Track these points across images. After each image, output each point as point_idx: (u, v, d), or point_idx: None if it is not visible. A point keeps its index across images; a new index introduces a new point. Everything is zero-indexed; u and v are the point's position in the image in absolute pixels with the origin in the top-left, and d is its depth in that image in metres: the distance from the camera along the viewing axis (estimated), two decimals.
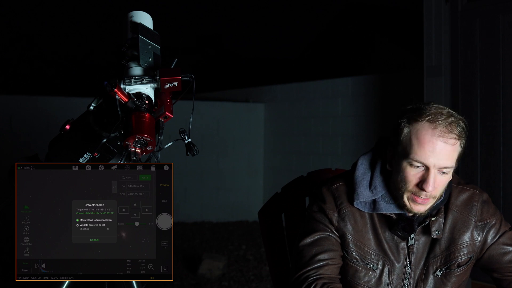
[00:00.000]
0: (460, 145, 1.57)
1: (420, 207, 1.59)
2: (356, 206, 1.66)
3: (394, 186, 1.62)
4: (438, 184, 1.57)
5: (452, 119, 1.55)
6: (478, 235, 1.67)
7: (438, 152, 1.53)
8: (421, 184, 1.56)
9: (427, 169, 1.55)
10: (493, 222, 1.69)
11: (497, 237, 1.68)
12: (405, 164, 1.57)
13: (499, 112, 3.69)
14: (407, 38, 12.02)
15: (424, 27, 4.10)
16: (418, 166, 1.56)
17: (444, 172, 1.56)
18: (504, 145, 3.67)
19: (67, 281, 1.60)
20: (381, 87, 5.78)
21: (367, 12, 14.12)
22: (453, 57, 3.93)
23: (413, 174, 1.57)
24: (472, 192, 1.70)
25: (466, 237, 1.66)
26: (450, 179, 1.62)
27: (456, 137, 1.55)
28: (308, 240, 1.68)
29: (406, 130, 1.58)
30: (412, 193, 1.58)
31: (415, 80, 4.58)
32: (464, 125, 1.57)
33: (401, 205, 1.62)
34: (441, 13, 3.97)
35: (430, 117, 1.55)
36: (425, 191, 1.55)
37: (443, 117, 1.55)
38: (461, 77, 3.90)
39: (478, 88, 3.79)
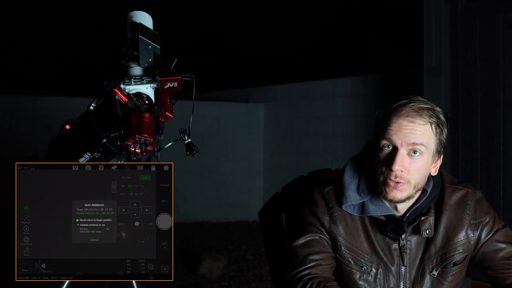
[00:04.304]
0: (433, 128, 1.59)
1: (395, 192, 1.59)
2: (345, 210, 1.67)
3: (375, 176, 1.63)
4: (409, 165, 1.58)
5: (422, 105, 1.60)
6: (473, 234, 1.68)
7: (403, 129, 1.57)
8: (390, 164, 1.58)
9: (395, 148, 1.58)
10: (487, 220, 1.69)
11: (490, 235, 1.69)
12: (377, 151, 1.62)
13: (499, 112, 3.69)
14: (407, 38, 12.01)
15: (424, 27, 4.10)
16: (388, 147, 1.59)
17: (415, 152, 1.58)
18: (504, 145, 3.67)
19: (67, 281, 1.60)
20: (381, 87, 5.78)
21: (366, 12, 14.10)
22: (453, 57, 3.93)
23: (383, 155, 1.60)
24: (466, 191, 1.70)
25: (461, 235, 1.67)
26: (428, 165, 1.61)
27: (425, 118, 1.58)
28: (301, 241, 1.69)
29: (379, 119, 1.64)
30: (384, 177, 1.59)
31: (415, 80, 4.58)
32: (438, 113, 1.60)
33: (379, 193, 1.62)
34: (441, 13, 3.97)
35: (400, 103, 1.61)
36: (392, 170, 1.56)
37: (413, 103, 1.60)
38: (461, 77, 3.90)
39: (478, 88, 3.80)
